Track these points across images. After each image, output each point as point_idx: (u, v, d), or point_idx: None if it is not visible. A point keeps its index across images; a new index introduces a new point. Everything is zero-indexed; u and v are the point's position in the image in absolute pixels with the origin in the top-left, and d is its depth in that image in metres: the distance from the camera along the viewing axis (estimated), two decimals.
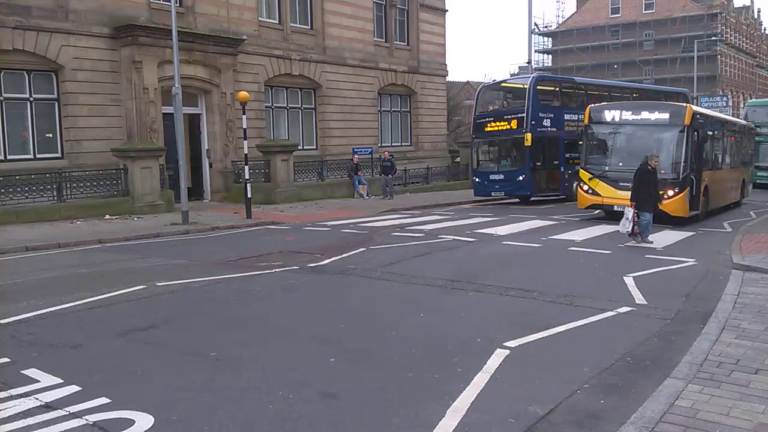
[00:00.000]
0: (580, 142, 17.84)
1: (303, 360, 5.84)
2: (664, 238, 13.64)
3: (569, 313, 7.39)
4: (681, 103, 17.71)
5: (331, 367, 5.65)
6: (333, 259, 11.08)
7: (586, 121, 17.09)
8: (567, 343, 6.35)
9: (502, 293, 8.41)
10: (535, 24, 68.31)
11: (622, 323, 7.05)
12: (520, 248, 12.37)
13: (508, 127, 22.33)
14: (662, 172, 15.69)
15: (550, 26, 75.13)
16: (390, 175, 23.99)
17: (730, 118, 23.01)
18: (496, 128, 22.77)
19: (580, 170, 17.02)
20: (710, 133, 18.01)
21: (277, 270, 10.16)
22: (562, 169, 22.87)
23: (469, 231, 14.64)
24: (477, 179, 23.70)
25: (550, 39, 75.31)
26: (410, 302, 8.09)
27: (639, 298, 8.09)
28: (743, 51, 77.07)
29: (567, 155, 22.75)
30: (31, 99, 18.24)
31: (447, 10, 32.67)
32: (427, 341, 6.35)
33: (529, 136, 21.47)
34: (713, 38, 63.31)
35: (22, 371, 5.42)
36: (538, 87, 22.53)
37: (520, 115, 21.94)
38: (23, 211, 16.24)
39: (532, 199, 23.05)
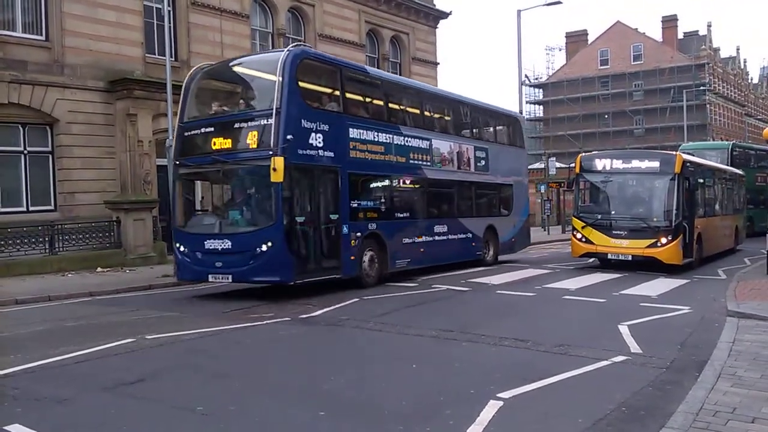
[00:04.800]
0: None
1: (292, 413, 5.72)
2: (658, 285, 13.60)
3: (564, 362, 7.28)
4: (671, 152, 17.91)
5: (321, 420, 5.53)
6: (325, 309, 10.98)
7: (577, 170, 17.24)
8: (561, 393, 6.24)
9: (495, 343, 8.32)
10: (526, 76, 69.53)
11: (617, 372, 6.95)
12: (514, 297, 12.30)
13: (241, 144, 12.15)
14: (655, 219, 15.86)
15: (541, 77, 76.39)
16: None
17: (721, 165, 23.21)
18: (219, 147, 12.30)
19: (573, 218, 17.10)
20: (701, 180, 18.18)
21: (268, 321, 10.04)
22: (345, 229, 12.78)
23: (463, 280, 14.58)
24: (182, 248, 12.64)
25: (541, 90, 76.52)
26: (402, 353, 7.99)
27: (634, 347, 8.00)
28: (731, 100, 78.40)
29: (354, 203, 13.19)
30: (26, 152, 18.31)
31: (439, 63, 33.24)
32: (418, 393, 6.24)
33: (280, 161, 11.13)
34: (701, 88, 64.42)
35: (4, 427, 5.28)
36: (300, 72, 12.12)
37: (264, 121, 11.79)
38: (14, 263, 16.15)
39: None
